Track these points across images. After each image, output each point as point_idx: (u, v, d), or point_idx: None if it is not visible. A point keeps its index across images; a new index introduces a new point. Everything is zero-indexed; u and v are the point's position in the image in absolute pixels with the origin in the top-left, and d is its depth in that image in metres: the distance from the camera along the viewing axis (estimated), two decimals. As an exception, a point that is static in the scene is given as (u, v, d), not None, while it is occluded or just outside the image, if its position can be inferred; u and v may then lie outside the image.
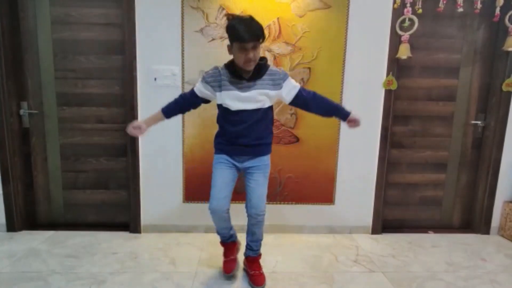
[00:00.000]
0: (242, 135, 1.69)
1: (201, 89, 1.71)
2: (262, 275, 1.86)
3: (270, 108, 1.74)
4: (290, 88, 1.69)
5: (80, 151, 2.47)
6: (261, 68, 1.63)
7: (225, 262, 1.93)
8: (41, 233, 2.42)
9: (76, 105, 2.42)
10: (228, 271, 1.89)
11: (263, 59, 1.67)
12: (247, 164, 1.76)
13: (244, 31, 1.48)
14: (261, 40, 1.56)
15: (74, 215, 2.55)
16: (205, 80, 1.67)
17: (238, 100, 1.64)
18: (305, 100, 1.72)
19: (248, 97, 1.63)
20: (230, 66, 1.64)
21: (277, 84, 1.66)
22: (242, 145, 1.71)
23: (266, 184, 1.81)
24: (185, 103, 1.79)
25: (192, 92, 1.74)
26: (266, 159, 1.80)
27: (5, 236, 2.36)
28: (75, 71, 2.37)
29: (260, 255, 1.94)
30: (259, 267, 1.90)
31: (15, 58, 2.33)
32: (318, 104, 1.75)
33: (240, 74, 1.62)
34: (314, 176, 2.49)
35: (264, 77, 1.64)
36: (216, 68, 1.68)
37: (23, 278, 1.85)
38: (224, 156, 1.76)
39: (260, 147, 1.76)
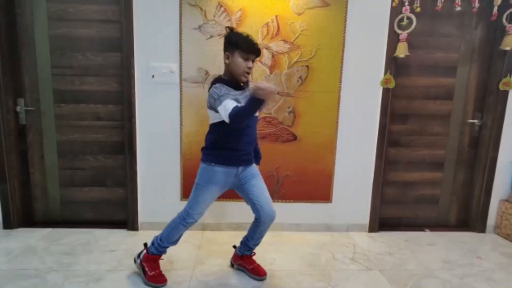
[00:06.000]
0: (250, 142, 1.74)
1: (235, 101, 1.54)
2: (260, 266, 1.93)
3: None
4: None
5: (77, 148, 2.46)
6: (247, 82, 1.74)
7: (157, 276, 1.82)
8: (38, 231, 2.41)
9: (73, 102, 2.40)
10: (164, 280, 1.82)
11: None
12: (241, 175, 1.75)
13: (251, 43, 1.61)
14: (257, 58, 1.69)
15: (71, 212, 2.55)
16: (227, 93, 1.56)
17: None
18: None
19: None
20: (227, 81, 1.64)
21: None
22: (248, 152, 1.74)
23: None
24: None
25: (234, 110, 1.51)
26: (255, 165, 1.85)
27: (2, 234, 2.35)
28: (72, 68, 2.36)
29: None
30: (254, 260, 1.95)
31: (12, 55, 2.31)
32: None
33: (238, 84, 1.67)
34: (311, 174, 2.49)
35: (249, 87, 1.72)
36: (214, 86, 1.61)
37: (20, 276, 1.84)
38: (223, 175, 1.70)
39: (252, 154, 1.80)
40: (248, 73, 1.64)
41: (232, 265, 2.01)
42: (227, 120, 1.51)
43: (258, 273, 1.89)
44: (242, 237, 1.93)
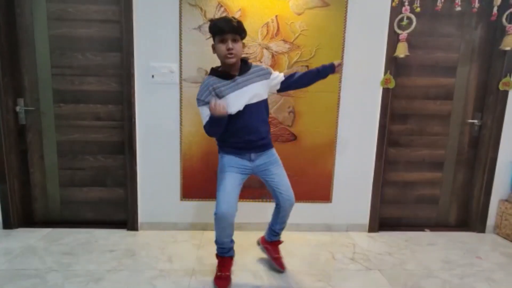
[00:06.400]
0: (251, 131, 1.71)
1: (208, 113, 1.64)
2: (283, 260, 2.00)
3: (266, 100, 1.80)
4: (276, 76, 1.78)
5: (77, 148, 2.46)
6: (246, 63, 1.72)
7: (220, 278, 1.82)
8: (38, 231, 2.41)
9: (73, 102, 2.40)
10: (222, 285, 1.79)
11: (247, 59, 1.77)
12: (258, 162, 1.77)
13: (222, 23, 1.59)
14: (241, 35, 1.64)
15: (71, 212, 2.55)
16: (202, 102, 1.65)
17: (239, 98, 1.66)
18: (292, 78, 1.81)
19: (247, 91, 1.67)
20: (216, 70, 1.70)
21: (265, 74, 1.73)
22: (251, 141, 1.72)
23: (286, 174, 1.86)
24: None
25: (206, 123, 1.68)
26: (274, 152, 1.85)
27: (2, 234, 2.35)
28: (72, 67, 2.36)
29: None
30: (280, 251, 2.04)
31: (12, 55, 2.31)
32: (303, 76, 1.83)
33: (229, 72, 1.67)
34: (311, 174, 2.49)
35: (251, 70, 1.71)
36: (203, 81, 1.70)
37: (20, 276, 1.84)
38: (234, 159, 1.74)
39: (265, 140, 1.78)
40: (230, 54, 1.59)
41: (258, 244, 2.13)
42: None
43: (280, 264, 1.97)
44: (268, 223, 2.02)
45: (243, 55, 1.73)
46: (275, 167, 1.80)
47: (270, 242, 2.02)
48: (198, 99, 1.67)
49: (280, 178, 1.81)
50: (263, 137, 1.76)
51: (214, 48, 1.67)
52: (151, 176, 2.44)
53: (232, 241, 1.83)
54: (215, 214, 1.68)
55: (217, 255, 1.86)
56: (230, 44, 1.58)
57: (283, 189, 1.81)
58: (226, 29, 1.57)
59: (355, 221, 2.58)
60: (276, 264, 1.97)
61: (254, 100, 1.68)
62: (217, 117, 1.57)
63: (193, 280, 1.86)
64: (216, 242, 1.82)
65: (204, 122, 1.67)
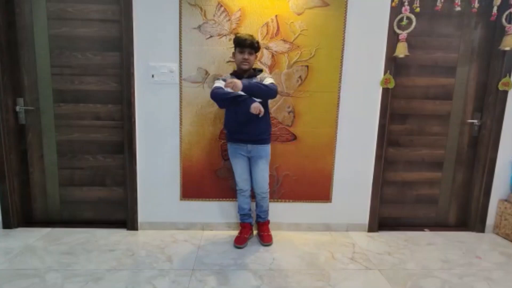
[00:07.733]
0: (249, 126, 2.10)
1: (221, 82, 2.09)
2: (269, 236, 2.35)
3: (266, 101, 2.16)
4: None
5: (77, 148, 2.46)
6: (256, 70, 2.16)
7: (239, 237, 2.31)
8: (37, 230, 2.41)
9: (73, 101, 2.40)
10: (238, 242, 2.26)
11: (261, 69, 2.20)
12: (253, 152, 2.18)
13: (244, 39, 2.05)
14: (256, 50, 2.10)
15: (71, 212, 2.55)
16: (221, 79, 2.11)
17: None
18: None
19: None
20: (235, 72, 2.15)
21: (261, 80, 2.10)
22: (249, 133, 2.12)
23: (268, 168, 2.26)
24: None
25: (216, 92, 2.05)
26: (267, 149, 2.21)
27: (1, 233, 2.35)
28: (72, 67, 2.36)
29: (268, 221, 2.41)
30: (267, 229, 2.39)
31: (11, 54, 2.31)
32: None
33: (239, 75, 2.10)
34: (311, 174, 2.49)
35: (257, 77, 2.11)
36: (226, 75, 2.15)
37: (19, 275, 1.84)
38: (235, 148, 2.20)
39: (261, 135, 2.15)
40: (245, 62, 2.06)
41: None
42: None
43: (262, 239, 2.31)
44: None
45: (259, 66, 2.27)
46: (261, 161, 2.20)
47: (257, 223, 2.43)
48: (219, 77, 2.16)
49: (259, 171, 2.21)
50: (260, 132, 2.15)
51: (234, 55, 2.12)
52: (151, 176, 2.44)
53: (250, 210, 2.36)
54: (237, 189, 2.31)
55: (240, 224, 2.40)
56: (246, 55, 2.06)
57: (257, 180, 2.24)
58: (246, 45, 2.04)
59: (354, 221, 2.58)
60: (259, 238, 2.35)
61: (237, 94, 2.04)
62: (231, 95, 1.98)
63: (192, 280, 1.86)
64: (238, 210, 2.38)
65: (213, 87, 2.07)
